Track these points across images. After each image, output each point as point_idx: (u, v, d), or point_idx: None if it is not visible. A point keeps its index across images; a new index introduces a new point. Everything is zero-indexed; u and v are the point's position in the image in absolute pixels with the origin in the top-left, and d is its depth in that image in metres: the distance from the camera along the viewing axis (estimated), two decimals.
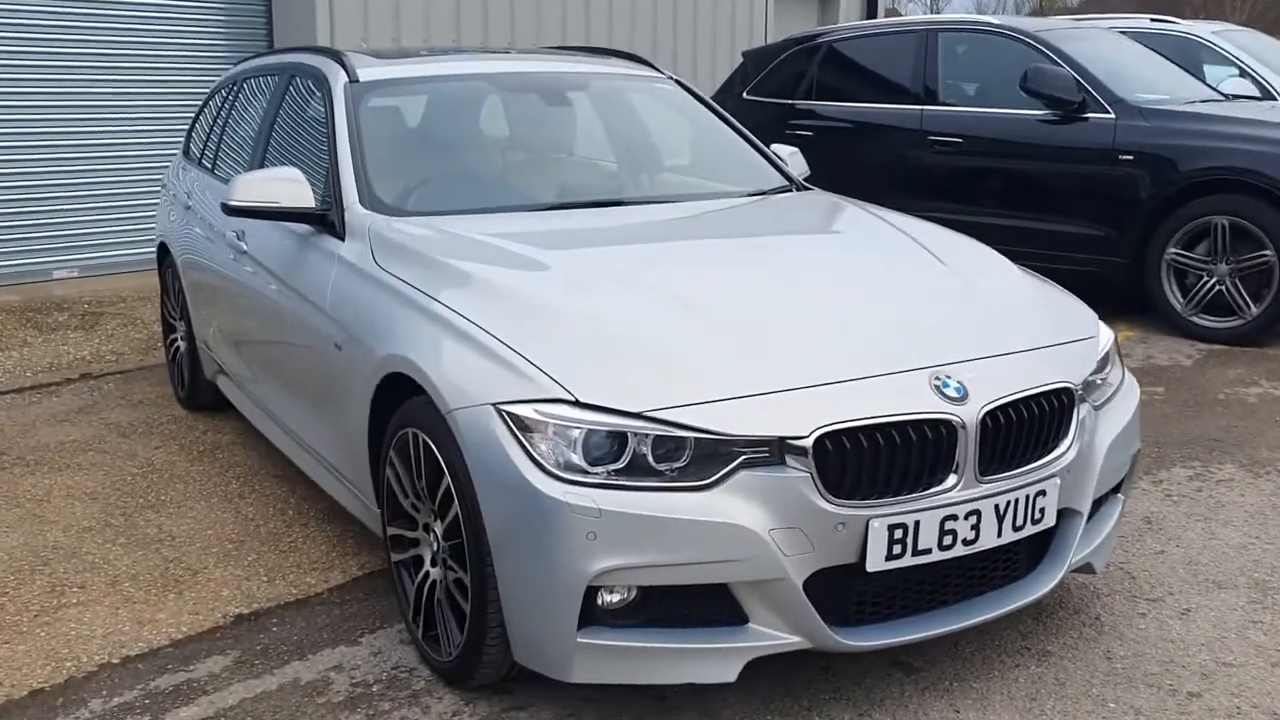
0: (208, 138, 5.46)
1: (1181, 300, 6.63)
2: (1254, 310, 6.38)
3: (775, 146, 4.64)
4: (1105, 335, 3.29)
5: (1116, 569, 3.62)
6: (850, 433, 2.58)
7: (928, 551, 2.66)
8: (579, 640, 2.58)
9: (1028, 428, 2.80)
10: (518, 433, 2.59)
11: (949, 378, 2.74)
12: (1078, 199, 6.96)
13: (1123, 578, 3.57)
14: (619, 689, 2.90)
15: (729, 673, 2.62)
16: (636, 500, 2.52)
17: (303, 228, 3.83)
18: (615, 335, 2.81)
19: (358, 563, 3.77)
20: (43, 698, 2.98)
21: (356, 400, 3.27)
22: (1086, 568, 3.12)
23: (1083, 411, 2.97)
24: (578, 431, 2.55)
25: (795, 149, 4.70)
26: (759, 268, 3.35)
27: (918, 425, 2.64)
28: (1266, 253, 6.25)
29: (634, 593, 2.59)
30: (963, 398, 2.70)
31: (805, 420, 2.57)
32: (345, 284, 3.46)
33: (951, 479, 2.68)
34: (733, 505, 2.53)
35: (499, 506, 2.63)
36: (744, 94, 8.76)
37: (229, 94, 5.39)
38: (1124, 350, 6.35)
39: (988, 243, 3.82)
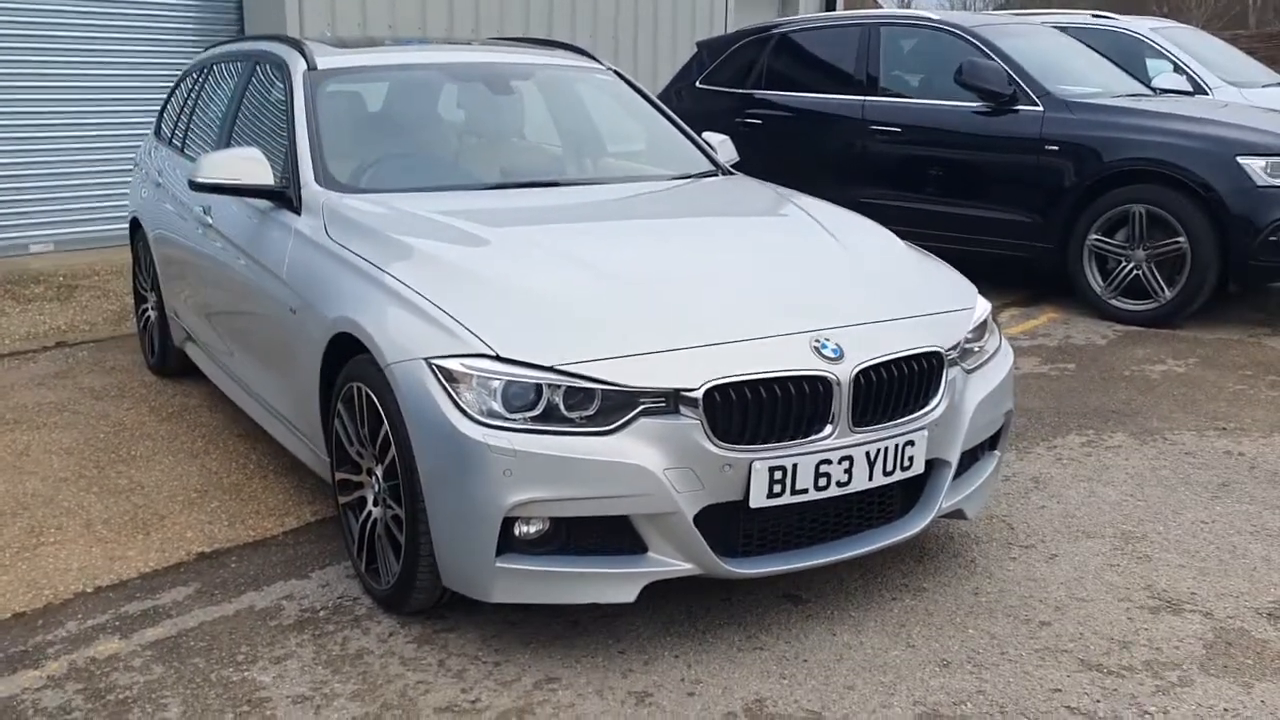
0: (178, 119, 5.78)
1: (1101, 284, 7.03)
2: (1168, 294, 6.78)
3: (706, 134, 5.01)
4: (982, 306, 3.67)
5: (998, 520, 4.02)
6: (736, 386, 2.96)
7: (804, 491, 3.04)
8: (498, 565, 2.95)
9: (898, 385, 3.19)
10: (445, 384, 2.96)
11: (828, 340, 3.12)
12: (1008, 187, 7.36)
13: (1002, 528, 3.96)
14: (537, 614, 3.28)
15: (629, 594, 3.00)
16: (549, 442, 2.89)
17: (263, 203, 4.17)
18: (536, 299, 3.17)
19: (311, 510, 4.12)
20: (24, 619, 3.34)
21: (308, 359, 3.62)
22: (958, 514, 3.51)
23: (952, 373, 3.35)
24: (498, 382, 2.92)
25: (725, 137, 5.06)
26: (671, 242, 3.75)
27: (797, 381, 3.02)
28: (1180, 239, 6.65)
29: (546, 524, 2.97)
30: (838, 358, 3.08)
31: (697, 375, 2.95)
32: (300, 254, 3.81)
33: (827, 428, 3.06)
34: (633, 447, 2.90)
35: (429, 449, 2.99)
36: (697, 83, 9.12)
37: (198, 78, 5.71)
38: (1045, 331, 6.78)
39: (924, 228, 4.23)
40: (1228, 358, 6.20)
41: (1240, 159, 6.55)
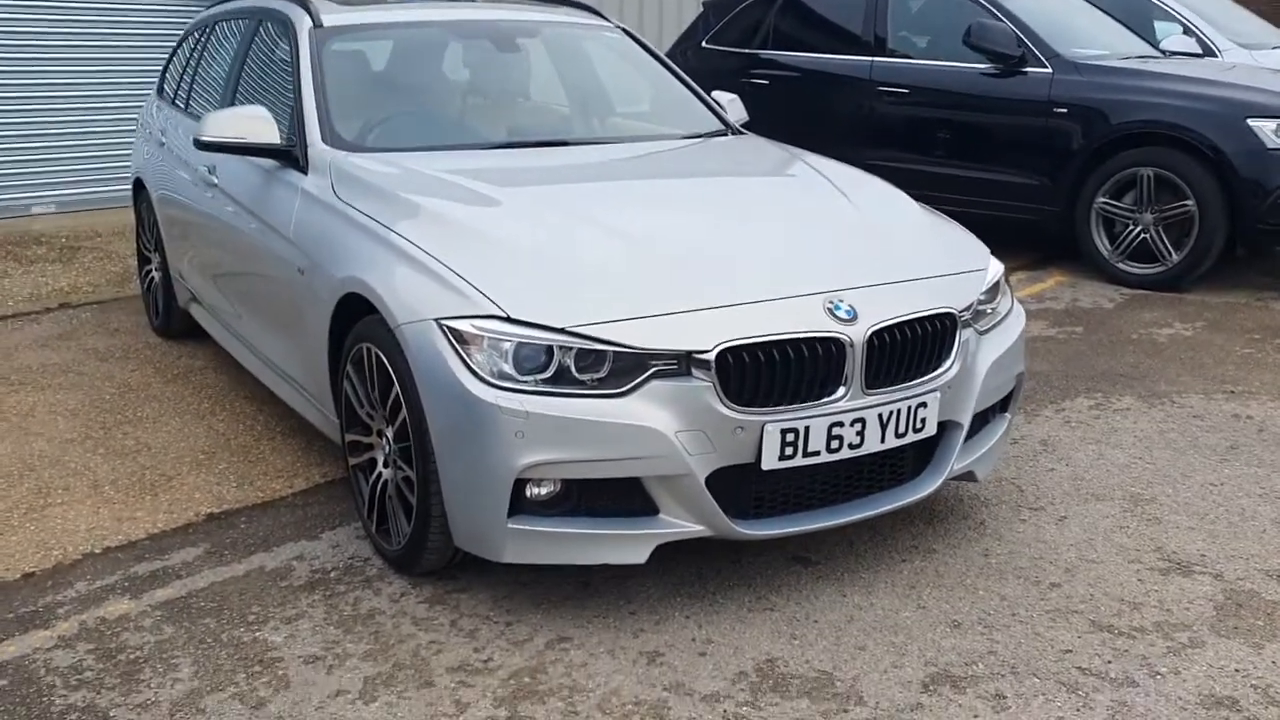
0: (181, 78, 5.73)
1: (1109, 247, 6.99)
2: (1175, 257, 6.75)
3: (716, 94, 4.97)
4: (995, 267, 3.65)
5: (1007, 483, 4.01)
6: (749, 348, 2.94)
7: (816, 453, 3.03)
8: (510, 526, 2.95)
9: (912, 347, 3.17)
10: (456, 345, 2.94)
11: (841, 301, 3.10)
12: (1016, 149, 7.32)
13: (1012, 490, 3.96)
14: (548, 575, 3.28)
15: (640, 555, 2.99)
16: (560, 404, 2.87)
17: (269, 162, 4.14)
18: (548, 260, 3.15)
19: (320, 471, 4.12)
20: (34, 580, 3.34)
21: (317, 320, 3.60)
22: (969, 476, 3.50)
23: (965, 335, 3.33)
24: (509, 344, 2.90)
25: (735, 96, 5.02)
26: (682, 202, 3.72)
27: (810, 342, 3.00)
28: (1188, 203, 6.61)
29: (558, 485, 2.96)
30: (852, 319, 3.06)
31: (709, 337, 2.93)
32: (307, 214, 3.78)
33: (840, 390, 3.05)
34: (645, 409, 2.89)
35: (441, 410, 2.98)
36: (703, 43, 9.04)
37: (201, 36, 5.65)
38: (1052, 294, 6.75)
39: (931, 190, 4.20)
40: (1235, 321, 6.18)
41: (1250, 121, 6.50)
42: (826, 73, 8.21)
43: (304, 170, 3.93)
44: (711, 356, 2.90)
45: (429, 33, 4.68)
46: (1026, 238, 7.68)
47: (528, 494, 2.95)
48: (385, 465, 3.35)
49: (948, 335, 3.27)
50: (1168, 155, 6.69)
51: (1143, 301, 6.61)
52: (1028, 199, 7.31)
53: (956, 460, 3.37)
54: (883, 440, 3.13)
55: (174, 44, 6.15)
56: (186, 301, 5.40)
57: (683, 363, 2.91)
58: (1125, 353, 5.61)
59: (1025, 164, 7.27)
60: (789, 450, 2.99)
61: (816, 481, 3.15)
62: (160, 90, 6.07)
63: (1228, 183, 6.52)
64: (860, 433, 3.08)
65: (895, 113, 7.85)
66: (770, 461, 2.98)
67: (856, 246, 3.47)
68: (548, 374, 2.90)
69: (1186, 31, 9.67)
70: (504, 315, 2.93)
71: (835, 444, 3.05)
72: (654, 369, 2.90)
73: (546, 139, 4.37)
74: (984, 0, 7.57)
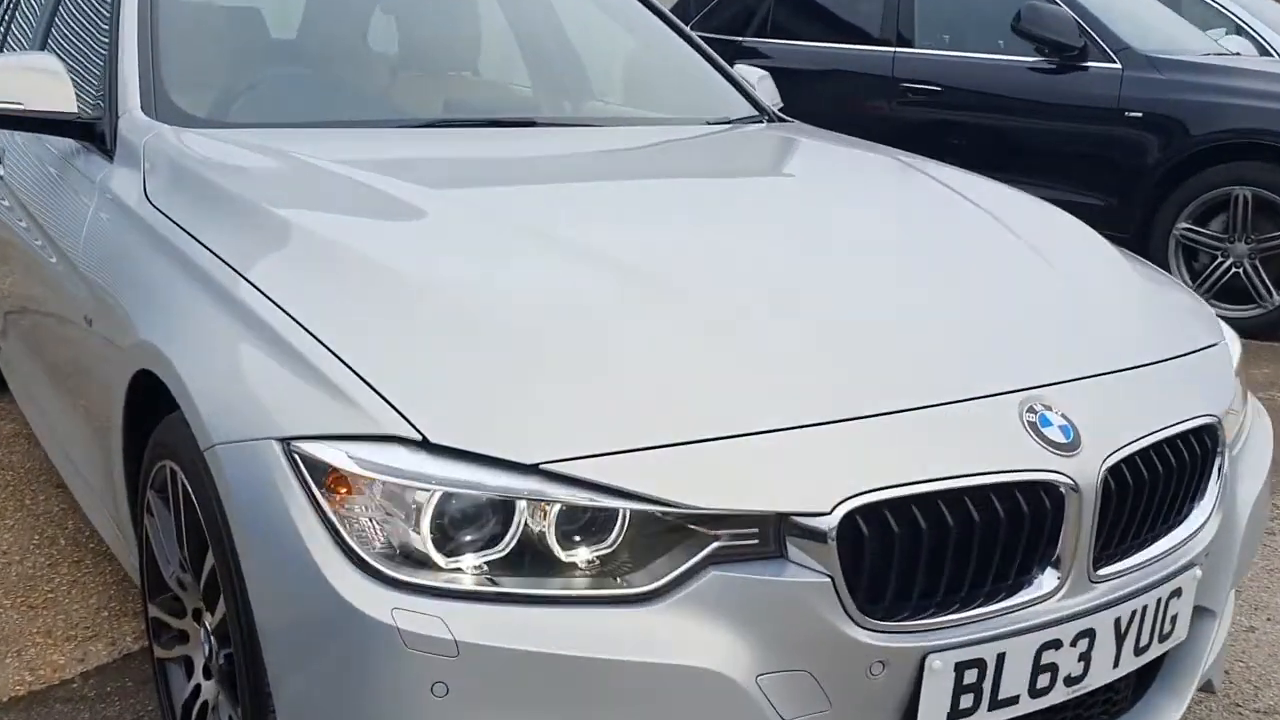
0: None
1: (1190, 284, 5.76)
2: (1276, 298, 5.54)
3: (739, 66, 3.55)
4: (1232, 341, 2.25)
5: None
6: (898, 504, 1.50)
7: (1013, 701, 1.60)
8: None
9: (1158, 490, 1.74)
10: (318, 492, 1.47)
11: (1048, 409, 1.67)
12: (1074, 162, 6.09)
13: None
14: None
15: None
16: (524, 622, 1.42)
17: (69, 144, 2.66)
18: (504, 330, 1.67)
19: (133, 629, 2.62)
20: None
21: (111, 403, 2.12)
22: (1206, 686, 2.09)
23: (1223, 460, 1.92)
24: (425, 494, 1.44)
25: (765, 73, 3.63)
26: (738, 229, 2.20)
27: (1004, 490, 1.56)
28: None
29: None
30: (1072, 443, 1.63)
31: (824, 485, 1.48)
32: (105, 227, 2.30)
33: (1047, 577, 1.62)
34: (693, 632, 1.44)
35: (282, 613, 1.52)
36: (689, 29, 7.73)
37: None
38: None
39: None
40: None
41: None
42: (837, 68, 6.95)
43: (111, 156, 2.45)
44: (832, 523, 1.46)
45: None
46: None
47: None
48: (205, 674, 1.88)
49: (1204, 462, 1.85)
50: (1268, 173, 5.47)
51: (1244, 354, 5.27)
52: (1090, 222, 5.99)
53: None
54: (1117, 663, 1.70)
55: None
56: None
57: (771, 535, 1.47)
58: None
59: (1087, 180, 6.01)
60: (966, 700, 1.55)
61: None
62: None
63: None
64: (1085, 655, 1.65)
65: (923, 116, 6.58)
66: None
67: (1051, 313, 1.98)
68: (498, 553, 1.45)
69: (1238, 30, 8.51)
70: (419, 437, 1.47)
71: (1044, 680, 1.62)
72: (714, 546, 1.45)
73: (504, 117, 2.89)
74: None
